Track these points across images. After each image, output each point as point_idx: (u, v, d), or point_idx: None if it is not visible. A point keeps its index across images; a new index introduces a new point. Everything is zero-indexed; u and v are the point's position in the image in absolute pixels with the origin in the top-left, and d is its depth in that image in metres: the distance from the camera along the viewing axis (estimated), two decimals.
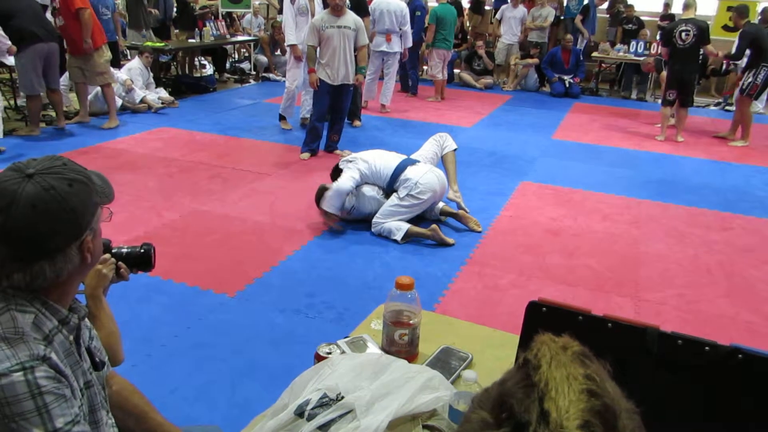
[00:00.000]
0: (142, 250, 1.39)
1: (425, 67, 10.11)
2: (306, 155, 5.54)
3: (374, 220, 3.91)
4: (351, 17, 5.30)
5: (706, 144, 6.96)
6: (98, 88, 6.43)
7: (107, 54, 6.19)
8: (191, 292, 3.11)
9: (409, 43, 7.69)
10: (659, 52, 8.17)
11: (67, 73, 6.27)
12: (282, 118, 6.68)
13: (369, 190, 3.97)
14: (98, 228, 1.08)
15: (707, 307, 3.24)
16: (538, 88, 10.04)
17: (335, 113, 5.61)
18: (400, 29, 7.39)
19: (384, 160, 4.00)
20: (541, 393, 0.51)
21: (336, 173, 4.03)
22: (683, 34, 6.56)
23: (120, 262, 1.38)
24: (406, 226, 3.82)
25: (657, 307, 3.22)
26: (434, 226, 3.84)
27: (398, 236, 3.80)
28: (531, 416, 0.49)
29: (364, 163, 3.97)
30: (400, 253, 3.68)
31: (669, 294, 3.35)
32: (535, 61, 9.84)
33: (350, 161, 4.01)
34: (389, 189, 3.98)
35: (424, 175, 3.87)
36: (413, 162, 4.01)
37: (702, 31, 6.54)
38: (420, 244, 3.80)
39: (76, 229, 1.01)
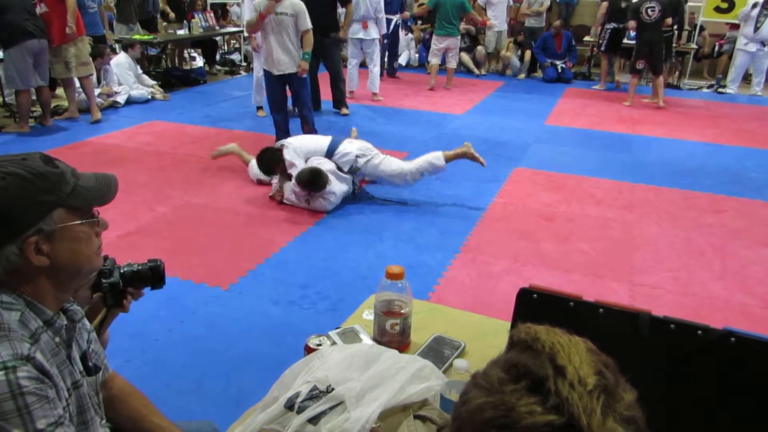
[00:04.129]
0: (150, 269, 1.33)
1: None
2: None
3: (406, 177, 4.18)
4: (289, 2, 5.05)
5: (698, 127, 6.95)
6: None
7: (88, 46, 6.17)
8: (184, 286, 3.09)
9: (384, 30, 7.66)
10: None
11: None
12: (258, 108, 6.71)
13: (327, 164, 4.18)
14: (63, 232, 1.00)
15: (701, 290, 3.25)
16: (523, 72, 9.97)
17: (296, 104, 5.53)
18: (376, 16, 7.36)
19: (315, 143, 4.32)
20: (550, 355, 0.55)
21: (269, 160, 4.25)
22: (649, 10, 7.38)
23: (127, 291, 1.33)
24: (440, 152, 4.18)
25: (651, 290, 3.22)
26: (467, 143, 4.24)
27: (441, 162, 4.16)
28: (547, 371, 0.53)
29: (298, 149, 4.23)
30: (393, 242, 3.67)
31: (663, 277, 3.35)
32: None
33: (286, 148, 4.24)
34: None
35: (352, 143, 4.29)
36: (341, 139, 4.37)
37: (665, 6, 7.36)
38: (413, 234, 3.79)
39: (6, 226, 0.96)
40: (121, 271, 1.32)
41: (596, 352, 0.58)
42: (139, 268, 1.34)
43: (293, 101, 5.54)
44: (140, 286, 1.36)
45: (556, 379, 0.52)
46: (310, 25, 5.19)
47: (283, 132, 5.43)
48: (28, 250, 0.97)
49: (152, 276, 1.34)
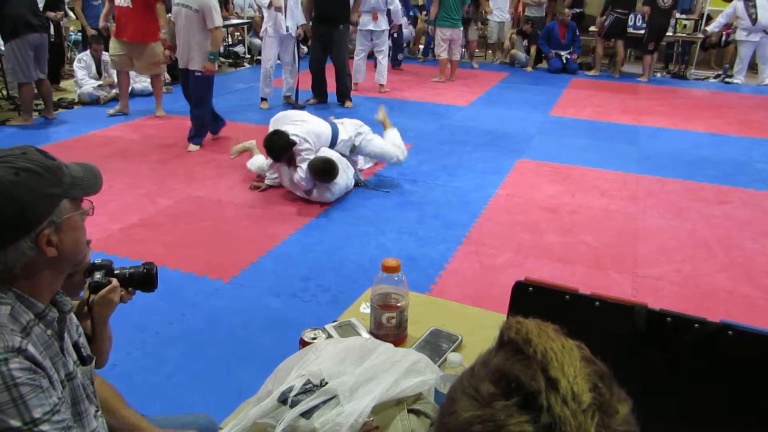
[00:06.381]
0: (144, 270, 1.35)
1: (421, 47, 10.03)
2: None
3: (396, 157, 4.49)
4: None
5: (705, 117, 6.89)
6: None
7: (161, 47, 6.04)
8: (186, 279, 3.09)
9: (400, 20, 7.60)
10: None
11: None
12: (262, 99, 6.70)
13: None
14: (68, 222, 1.02)
15: (705, 282, 3.22)
16: (529, 63, 9.90)
17: (187, 99, 5.38)
18: (387, 7, 7.35)
19: (324, 133, 4.26)
20: (542, 364, 0.52)
21: (280, 147, 4.02)
22: None
23: (122, 288, 1.34)
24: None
25: (655, 282, 3.20)
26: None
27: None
28: (539, 384, 0.51)
29: (312, 145, 4.10)
30: (395, 235, 3.66)
31: (667, 269, 3.33)
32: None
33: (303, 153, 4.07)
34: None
35: (346, 129, 4.40)
36: (336, 126, 4.41)
37: None
38: (415, 226, 3.77)
39: (24, 220, 0.97)
40: (115, 272, 1.33)
41: (591, 360, 0.55)
42: (132, 271, 1.35)
43: (184, 95, 5.39)
44: (130, 286, 1.36)
45: (548, 393, 0.50)
46: (216, 23, 4.86)
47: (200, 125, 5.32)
48: (42, 243, 0.99)
49: (144, 278, 1.35)
